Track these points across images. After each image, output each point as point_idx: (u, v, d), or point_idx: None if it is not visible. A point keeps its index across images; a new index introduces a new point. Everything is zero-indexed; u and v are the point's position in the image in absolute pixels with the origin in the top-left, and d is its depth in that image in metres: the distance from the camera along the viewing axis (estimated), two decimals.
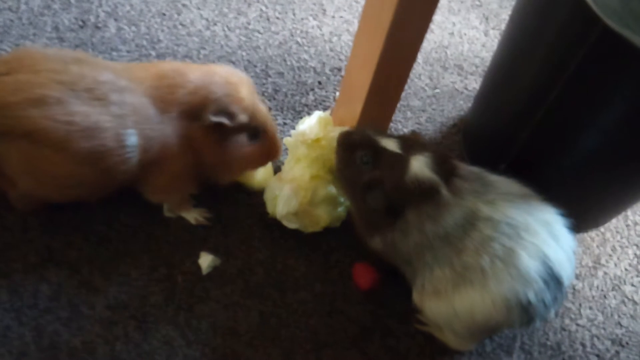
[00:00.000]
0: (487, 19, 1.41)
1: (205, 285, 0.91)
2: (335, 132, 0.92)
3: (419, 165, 0.79)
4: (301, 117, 1.06)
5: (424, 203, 0.79)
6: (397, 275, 0.88)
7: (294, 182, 0.92)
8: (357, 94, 0.92)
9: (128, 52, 1.15)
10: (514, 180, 0.83)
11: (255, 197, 1.00)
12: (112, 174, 0.81)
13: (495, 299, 0.77)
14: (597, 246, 1.09)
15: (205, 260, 0.92)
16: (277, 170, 1.01)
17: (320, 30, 1.29)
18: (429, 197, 0.78)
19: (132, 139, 0.79)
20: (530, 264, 0.76)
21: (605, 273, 1.06)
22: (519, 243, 0.77)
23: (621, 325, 1.01)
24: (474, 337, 0.89)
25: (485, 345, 0.94)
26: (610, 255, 1.08)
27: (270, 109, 1.13)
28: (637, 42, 0.74)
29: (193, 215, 0.96)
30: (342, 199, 0.96)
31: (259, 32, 1.25)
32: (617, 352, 0.98)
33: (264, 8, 1.29)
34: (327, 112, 1.01)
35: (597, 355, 0.97)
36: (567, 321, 0.99)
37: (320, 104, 1.16)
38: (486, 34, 1.38)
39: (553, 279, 0.77)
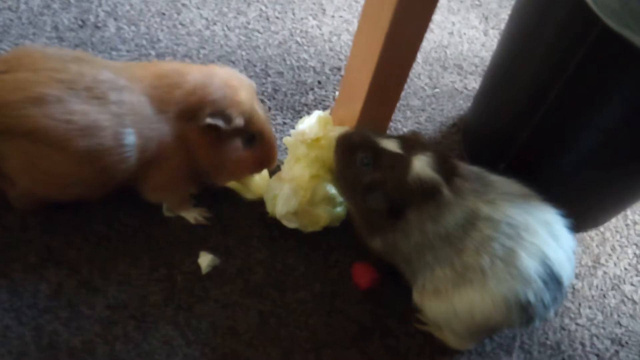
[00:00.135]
0: (486, 18, 1.41)
1: (204, 285, 0.91)
2: (335, 131, 0.92)
3: (421, 165, 0.78)
4: (301, 117, 1.06)
5: (425, 203, 0.79)
6: (397, 275, 0.88)
7: (293, 182, 0.92)
8: (356, 93, 0.92)
9: (128, 51, 1.15)
10: (514, 180, 0.83)
11: None
12: (110, 172, 0.81)
13: (495, 298, 0.77)
14: (597, 245, 1.09)
15: (205, 260, 0.92)
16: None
17: (320, 29, 1.29)
18: (430, 197, 0.78)
19: (131, 137, 0.79)
20: (530, 264, 0.76)
21: (605, 272, 1.06)
22: (518, 243, 0.77)
23: (621, 325, 1.01)
24: (473, 337, 0.89)
25: (485, 344, 0.94)
26: (609, 255, 1.08)
27: (270, 108, 1.13)
28: (636, 42, 0.74)
29: (192, 215, 0.96)
30: (341, 199, 0.96)
31: (258, 31, 1.25)
32: (617, 352, 0.98)
33: (263, 8, 1.29)
34: (327, 112, 1.00)
35: (597, 355, 0.97)
36: (566, 320, 0.99)
37: (320, 103, 1.16)
38: (486, 33, 1.38)
39: (553, 279, 0.77)
